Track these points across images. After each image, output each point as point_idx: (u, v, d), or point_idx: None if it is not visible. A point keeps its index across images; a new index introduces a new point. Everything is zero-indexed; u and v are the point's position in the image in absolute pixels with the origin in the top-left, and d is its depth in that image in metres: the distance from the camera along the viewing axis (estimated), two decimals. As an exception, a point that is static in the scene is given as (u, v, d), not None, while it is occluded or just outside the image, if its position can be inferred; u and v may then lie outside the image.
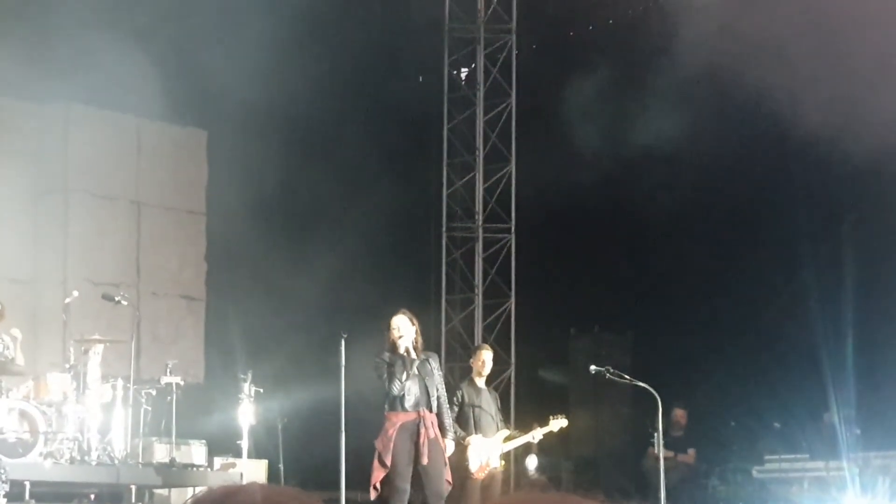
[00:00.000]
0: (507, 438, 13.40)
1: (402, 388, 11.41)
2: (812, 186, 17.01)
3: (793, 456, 16.66)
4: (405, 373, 11.45)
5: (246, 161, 18.56)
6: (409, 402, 11.44)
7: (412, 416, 11.45)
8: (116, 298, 13.92)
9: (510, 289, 19.98)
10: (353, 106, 18.45)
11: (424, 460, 11.41)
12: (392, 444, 11.35)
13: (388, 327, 11.58)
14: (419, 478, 11.46)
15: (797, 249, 16.66)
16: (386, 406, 11.48)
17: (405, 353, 11.51)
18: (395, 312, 11.67)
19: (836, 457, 15.65)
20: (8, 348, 13.06)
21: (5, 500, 11.74)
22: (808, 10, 15.85)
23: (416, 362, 11.55)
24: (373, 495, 11.38)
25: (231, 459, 14.67)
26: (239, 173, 18.56)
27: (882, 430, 15.97)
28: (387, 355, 11.52)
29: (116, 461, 13.30)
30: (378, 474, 11.34)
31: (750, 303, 17.87)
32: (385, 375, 11.44)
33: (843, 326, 16.21)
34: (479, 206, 20.20)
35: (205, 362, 18.52)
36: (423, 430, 11.43)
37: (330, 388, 12.10)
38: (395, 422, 11.41)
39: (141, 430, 14.07)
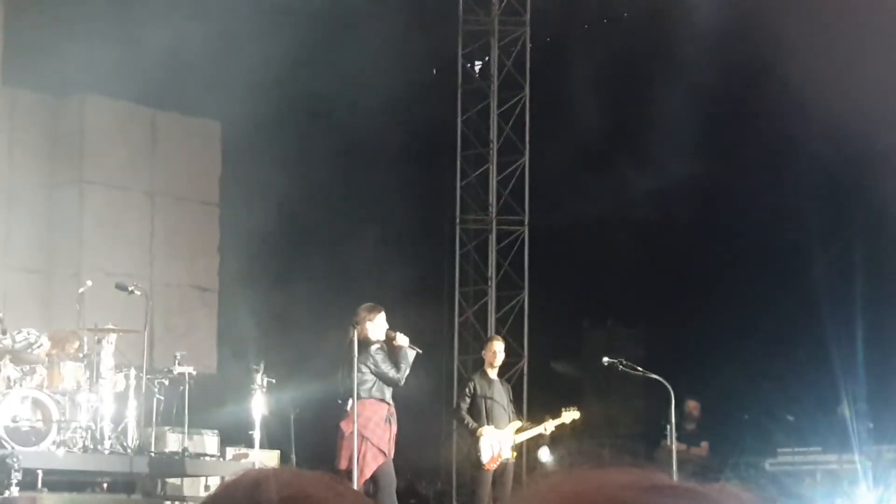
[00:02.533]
0: (519, 430, 13.41)
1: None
2: (822, 182, 16.98)
3: (805, 449, 16.65)
4: (410, 364, 11.59)
5: (260, 152, 18.59)
6: (388, 393, 11.57)
7: (387, 407, 11.57)
8: (130, 288, 13.92)
9: (523, 281, 19.96)
10: (367, 98, 18.44)
11: (391, 454, 11.55)
12: (384, 433, 11.43)
13: (373, 320, 11.65)
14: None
15: (809, 242, 16.64)
16: (366, 393, 11.47)
17: (411, 346, 11.65)
18: (374, 306, 11.77)
19: (849, 450, 15.64)
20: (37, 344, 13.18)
21: (18, 488, 11.78)
22: (823, 10, 15.87)
23: (415, 354, 11.73)
24: (362, 484, 11.33)
25: (243, 450, 14.69)
26: (253, 165, 18.60)
27: (895, 423, 15.96)
28: (379, 345, 11.63)
29: (129, 450, 13.32)
30: (373, 466, 11.36)
31: (763, 295, 17.86)
32: (386, 364, 11.49)
33: (856, 320, 16.19)
34: (492, 199, 20.19)
35: (217, 353, 18.54)
36: (391, 425, 11.56)
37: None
38: (382, 414, 11.48)
39: (153, 420, 14.07)
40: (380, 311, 11.76)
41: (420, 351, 11.97)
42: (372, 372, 11.52)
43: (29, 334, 13.17)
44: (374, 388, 11.50)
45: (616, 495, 1.42)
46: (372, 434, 11.36)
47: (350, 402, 11.43)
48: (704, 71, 17.23)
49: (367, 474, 11.32)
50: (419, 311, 11.98)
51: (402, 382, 11.57)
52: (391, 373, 11.49)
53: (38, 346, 13.16)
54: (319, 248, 18.09)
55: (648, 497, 1.42)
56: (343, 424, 11.40)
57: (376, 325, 11.68)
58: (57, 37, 16.42)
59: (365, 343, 11.56)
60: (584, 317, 20.66)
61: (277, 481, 1.67)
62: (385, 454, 11.39)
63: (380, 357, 11.53)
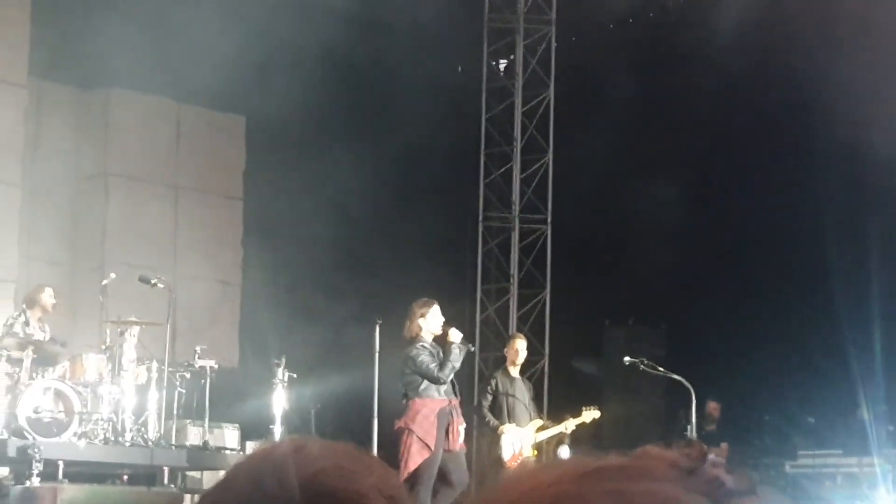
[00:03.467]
0: (540, 428, 13.42)
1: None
2: (842, 186, 16.93)
3: (826, 452, 16.61)
4: (459, 361, 11.55)
5: (284, 147, 18.64)
6: (444, 388, 11.49)
7: (445, 402, 11.49)
8: (153, 281, 13.98)
9: (545, 279, 19.97)
10: (392, 95, 18.46)
11: (457, 447, 11.46)
12: (434, 430, 11.37)
13: (426, 315, 11.60)
14: (444, 464, 11.50)
15: (829, 246, 16.59)
16: (414, 392, 11.46)
17: (462, 343, 11.63)
18: (427, 301, 11.72)
19: (869, 453, 15.61)
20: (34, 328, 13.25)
21: (39, 479, 11.84)
22: (852, 12, 15.84)
23: (465, 350, 11.69)
24: (406, 477, 11.29)
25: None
26: (277, 159, 18.64)
27: (915, 427, 15.92)
28: (428, 343, 11.56)
29: (150, 443, 13.37)
30: (418, 459, 11.32)
31: (784, 298, 17.82)
32: (433, 363, 11.44)
33: (875, 323, 16.14)
34: (515, 197, 20.20)
35: (239, 347, 18.60)
36: (455, 417, 11.49)
37: (363, 374, 12.14)
38: (433, 408, 11.41)
39: (175, 413, 14.13)
40: (432, 305, 11.65)
41: (472, 348, 11.96)
42: (413, 373, 11.49)
43: (11, 314, 13.25)
44: (422, 388, 11.45)
45: (546, 493, 1.42)
46: (418, 427, 11.33)
47: (404, 400, 11.47)
48: (730, 71, 17.20)
49: (412, 467, 11.25)
50: (441, 308, 11.92)
51: (445, 380, 11.48)
52: (433, 371, 11.40)
53: (24, 316, 13.23)
54: (342, 243, 18.10)
55: (577, 487, 1.41)
56: (396, 421, 11.45)
57: (429, 320, 11.59)
58: (83, 30, 16.48)
59: (411, 342, 11.55)
60: (606, 316, 20.61)
61: (308, 456, 1.67)
62: (430, 448, 11.33)
63: (420, 358, 11.47)
